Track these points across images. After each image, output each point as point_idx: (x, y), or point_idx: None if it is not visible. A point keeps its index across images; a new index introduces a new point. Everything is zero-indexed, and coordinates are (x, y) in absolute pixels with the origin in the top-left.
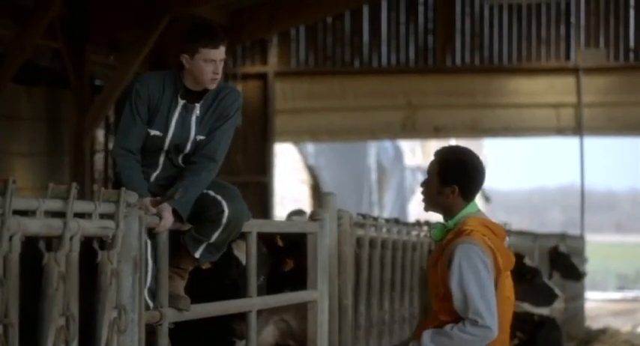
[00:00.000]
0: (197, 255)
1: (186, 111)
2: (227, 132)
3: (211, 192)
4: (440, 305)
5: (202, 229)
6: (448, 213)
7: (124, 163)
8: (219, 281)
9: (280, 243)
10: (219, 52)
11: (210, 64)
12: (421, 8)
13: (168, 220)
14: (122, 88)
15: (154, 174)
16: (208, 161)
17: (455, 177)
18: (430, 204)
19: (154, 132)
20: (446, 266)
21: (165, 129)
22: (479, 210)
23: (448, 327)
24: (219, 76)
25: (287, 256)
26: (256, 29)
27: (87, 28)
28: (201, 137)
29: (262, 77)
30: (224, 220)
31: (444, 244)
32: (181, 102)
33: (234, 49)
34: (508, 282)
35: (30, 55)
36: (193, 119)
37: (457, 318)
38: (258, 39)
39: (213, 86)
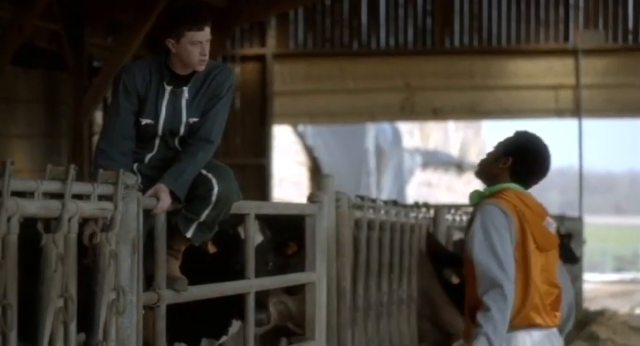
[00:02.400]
0: (189, 234)
1: (175, 96)
2: (221, 112)
3: (203, 171)
4: (469, 271)
5: (192, 207)
6: (491, 183)
7: (101, 163)
8: (229, 266)
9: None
10: (205, 34)
11: (197, 46)
12: None
13: (165, 201)
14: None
15: (149, 156)
16: (204, 142)
17: (514, 151)
18: (481, 169)
19: (145, 121)
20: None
21: (156, 117)
22: (523, 190)
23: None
24: (206, 57)
25: (290, 239)
26: (255, 11)
27: (85, 10)
28: (195, 119)
29: (261, 59)
30: (213, 198)
31: (474, 210)
32: (168, 88)
33: (232, 32)
34: (545, 261)
35: (28, 36)
36: (183, 103)
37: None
38: (256, 21)
39: (201, 68)
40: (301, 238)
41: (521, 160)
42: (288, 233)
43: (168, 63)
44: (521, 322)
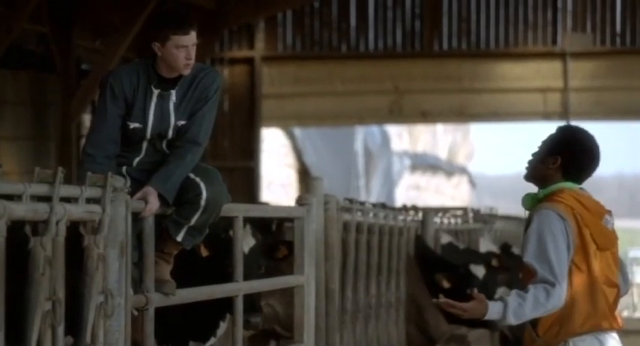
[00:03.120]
0: (179, 238)
1: (162, 99)
2: (208, 114)
3: (191, 175)
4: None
5: (182, 212)
6: (543, 185)
7: (87, 167)
8: (221, 269)
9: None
10: (191, 38)
11: (183, 50)
12: None
13: (154, 204)
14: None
15: (137, 159)
16: (192, 145)
17: (561, 149)
18: (532, 172)
19: (133, 125)
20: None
21: (144, 121)
22: (580, 188)
23: (522, 297)
24: (192, 61)
25: (280, 243)
26: (243, 14)
27: (73, 12)
28: (183, 122)
29: (249, 62)
30: (202, 202)
31: (530, 214)
32: (156, 91)
33: (221, 34)
34: (608, 263)
35: (16, 38)
36: (171, 106)
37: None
38: (245, 24)
39: (187, 71)
40: (292, 242)
41: (571, 158)
42: (278, 237)
43: (155, 66)
44: (591, 328)
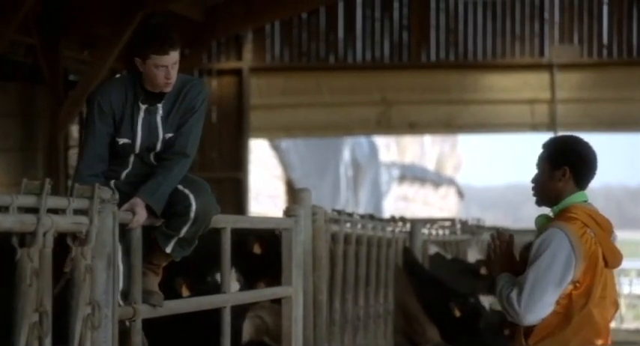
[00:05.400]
0: (168, 250)
1: (150, 113)
2: (195, 126)
3: (180, 186)
4: None
5: (171, 224)
6: (557, 201)
7: (88, 170)
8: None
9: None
10: (170, 58)
11: (162, 69)
12: (396, 4)
13: (141, 216)
14: (96, 84)
15: (125, 172)
16: (180, 156)
17: (565, 159)
18: (541, 194)
19: (122, 141)
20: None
21: (132, 136)
22: (587, 201)
23: (504, 286)
24: (171, 81)
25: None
26: (231, 25)
27: (61, 23)
28: (170, 134)
29: (237, 73)
30: (192, 214)
31: (542, 229)
32: (143, 106)
33: (209, 45)
34: (610, 280)
35: (4, 49)
36: (158, 120)
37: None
38: (233, 35)
39: (168, 89)
40: (267, 240)
41: (578, 165)
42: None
43: (141, 81)
44: (582, 343)
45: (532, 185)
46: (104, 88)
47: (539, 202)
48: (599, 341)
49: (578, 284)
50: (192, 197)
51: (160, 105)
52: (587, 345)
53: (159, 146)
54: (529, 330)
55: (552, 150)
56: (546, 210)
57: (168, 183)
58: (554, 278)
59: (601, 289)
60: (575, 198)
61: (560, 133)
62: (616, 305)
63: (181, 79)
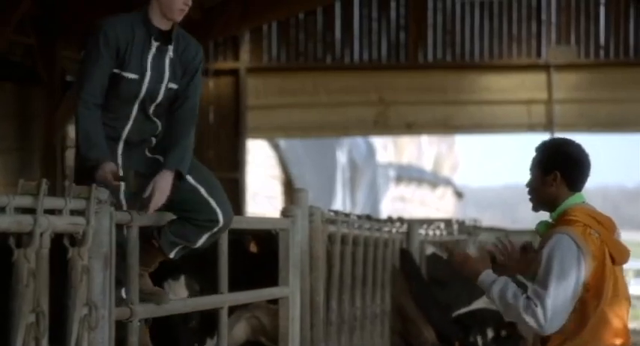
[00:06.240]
0: (172, 255)
1: (160, 53)
2: (199, 87)
3: (203, 192)
4: None
5: (186, 233)
6: (553, 206)
7: (88, 115)
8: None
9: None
10: None
11: None
12: (393, 4)
13: (164, 191)
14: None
15: (126, 129)
16: (192, 120)
17: (555, 163)
18: (536, 199)
19: (130, 76)
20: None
21: (141, 72)
22: (585, 202)
23: (515, 293)
24: (187, 8)
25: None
26: (228, 25)
27: (58, 24)
28: (173, 85)
29: (234, 73)
30: (215, 229)
31: (543, 240)
32: (155, 43)
33: (206, 45)
34: (620, 277)
35: (1, 50)
36: (167, 62)
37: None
38: (230, 35)
39: (179, 18)
40: (262, 239)
41: (567, 168)
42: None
43: (150, 18)
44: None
45: (527, 190)
46: (112, 20)
47: (535, 208)
48: (618, 341)
49: (588, 286)
50: (219, 211)
51: (170, 47)
52: None
53: (161, 94)
54: (546, 338)
55: (542, 154)
56: (544, 216)
57: (190, 149)
58: (571, 284)
59: (612, 288)
60: (571, 200)
61: (557, 134)
62: (628, 302)
63: (178, 29)
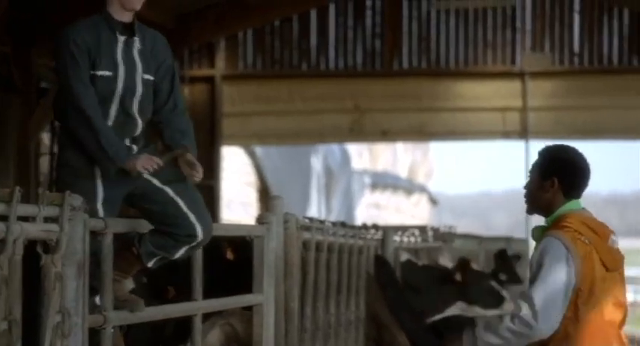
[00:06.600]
0: (150, 264)
1: (128, 46)
2: (177, 78)
3: (182, 205)
4: None
5: (165, 246)
6: (549, 211)
7: (92, 103)
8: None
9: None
10: None
11: None
12: (369, 12)
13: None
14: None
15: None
16: (183, 111)
17: (554, 170)
18: (532, 202)
19: (103, 73)
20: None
21: (114, 68)
22: (583, 208)
23: (494, 322)
24: None
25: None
26: (203, 32)
27: (34, 31)
28: (149, 76)
29: (210, 80)
30: (194, 243)
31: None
32: (121, 38)
33: (181, 53)
34: (616, 283)
35: None
36: (136, 53)
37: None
38: (205, 42)
39: (138, 6)
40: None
41: (566, 175)
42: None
43: (109, 15)
44: None
45: (524, 192)
46: (74, 26)
47: (530, 210)
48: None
49: (580, 292)
50: (198, 226)
51: (136, 39)
52: None
53: (139, 88)
54: (543, 343)
55: (543, 159)
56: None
57: (194, 144)
58: (560, 284)
59: (604, 294)
60: (567, 207)
61: (532, 141)
62: (623, 308)
63: (138, 24)
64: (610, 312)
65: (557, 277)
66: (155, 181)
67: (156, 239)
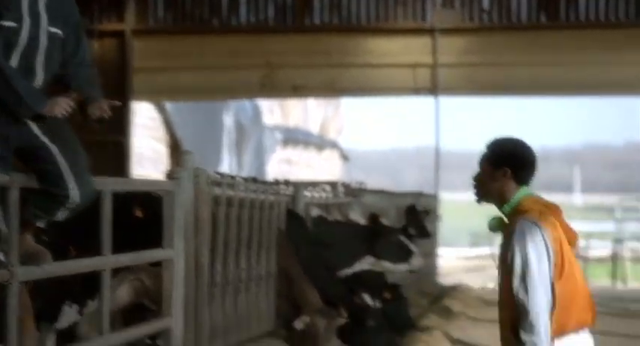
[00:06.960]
0: (39, 224)
1: None
2: (83, 31)
3: (63, 165)
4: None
5: (44, 207)
6: (503, 200)
7: (20, 82)
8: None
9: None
10: None
11: None
12: None
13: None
14: None
15: None
16: (90, 64)
17: (505, 160)
18: (484, 192)
19: (8, 24)
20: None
21: (19, 19)
22: (532, 193)
23: None
24: None
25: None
26: None
27: None
28: (55, 30)
29: (120, 35)
30: (69, 204)
31: (506, 232)
32: None
33: (90, 7)
34: (574, 258)
35: None
36: (42, 6)
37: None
38: None
39: None
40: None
41: (517, 164)
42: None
43: None
44: (577, 325)
45: (473, 183)
46: None
47: (481, 200)
48: (590, 315)
49: (555, 267)
50: (76, 189)
51: None
52: (582, 324)
53: (43, 40)
54: (517, 321)
55: (493, 151)
56: (493, 211)
57: (98, 87)
58: (546, 273)
59: (573, 267)
60: (521, 193)
61: (442, 97)
62: (586, 281)
63: None
64: (580, 283)
65: (542, 268)
66: (43, 137)
67: (39, 199)
